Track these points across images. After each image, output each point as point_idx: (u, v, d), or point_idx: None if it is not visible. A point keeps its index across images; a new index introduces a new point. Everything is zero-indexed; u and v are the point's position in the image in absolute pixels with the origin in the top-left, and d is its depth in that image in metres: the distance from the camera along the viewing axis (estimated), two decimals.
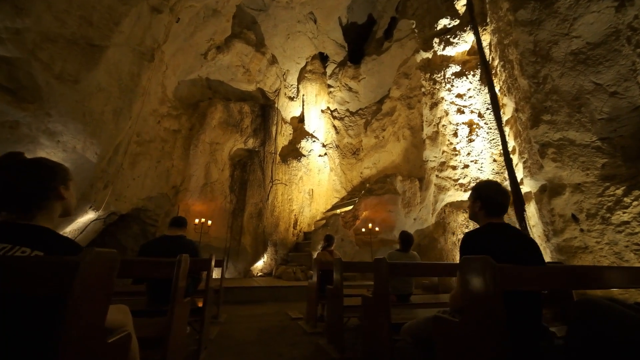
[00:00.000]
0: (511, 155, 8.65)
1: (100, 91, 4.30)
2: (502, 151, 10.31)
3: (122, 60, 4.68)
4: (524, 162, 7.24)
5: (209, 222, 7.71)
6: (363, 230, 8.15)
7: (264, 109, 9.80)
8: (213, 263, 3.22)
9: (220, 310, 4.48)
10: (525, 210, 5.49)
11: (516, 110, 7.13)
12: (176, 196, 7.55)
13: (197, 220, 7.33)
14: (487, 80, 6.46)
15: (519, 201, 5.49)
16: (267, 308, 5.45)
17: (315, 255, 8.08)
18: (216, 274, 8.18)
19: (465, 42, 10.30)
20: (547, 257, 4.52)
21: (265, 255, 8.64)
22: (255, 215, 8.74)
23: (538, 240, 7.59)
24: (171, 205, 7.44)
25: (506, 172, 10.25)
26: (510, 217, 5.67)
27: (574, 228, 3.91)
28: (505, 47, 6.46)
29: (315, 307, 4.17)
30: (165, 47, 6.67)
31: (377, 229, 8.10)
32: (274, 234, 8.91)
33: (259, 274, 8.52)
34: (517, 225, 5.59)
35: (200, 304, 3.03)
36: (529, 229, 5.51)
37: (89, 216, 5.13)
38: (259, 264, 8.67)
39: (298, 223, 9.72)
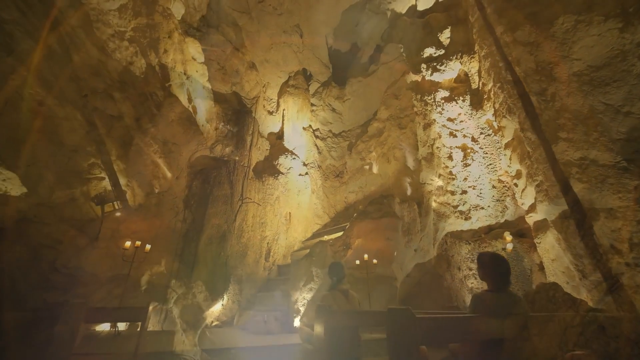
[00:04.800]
0: (516, 180, 7.43)
1: None
2: (500, 178, 9.07)
3: None
4: (537, 185, 5.96)
5: (148, 247, 5.11)
6: (357, 262, 6.05)
7: (239, 114, 7.89)
8: None
9: None
10: (592, 227, 3.94)
11: (522, 129, 6.11)
12: (100, 205, 4.92)
13: (127, 244, 4.73)
14: (511, 78, 5.37)
15: (582, 215, 3.96)
16: None
17: (296, 296, 5.70)
18: (138, 326, 5.33)
19: (452, 70, 9.97)
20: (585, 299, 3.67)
21: (225, 296, 6.03)
22: (217, 240, 6.28)
23: (564, 278, 5.97)
24: (90, 217, 4.79)
25: (507, 199, 8.87)
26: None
27: (617, 262, 3.25)
28: (502, 69, 5.99)
29: None
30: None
31: (375, 261, 6.05)
32: (240, 267, 6.43)
33: (214, 324, 5.81)
34: (582, 245, 4.10)
35: None
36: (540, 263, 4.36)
37: None
38: (216, 309, 5.99)
39: (272, 253, 7.36)
